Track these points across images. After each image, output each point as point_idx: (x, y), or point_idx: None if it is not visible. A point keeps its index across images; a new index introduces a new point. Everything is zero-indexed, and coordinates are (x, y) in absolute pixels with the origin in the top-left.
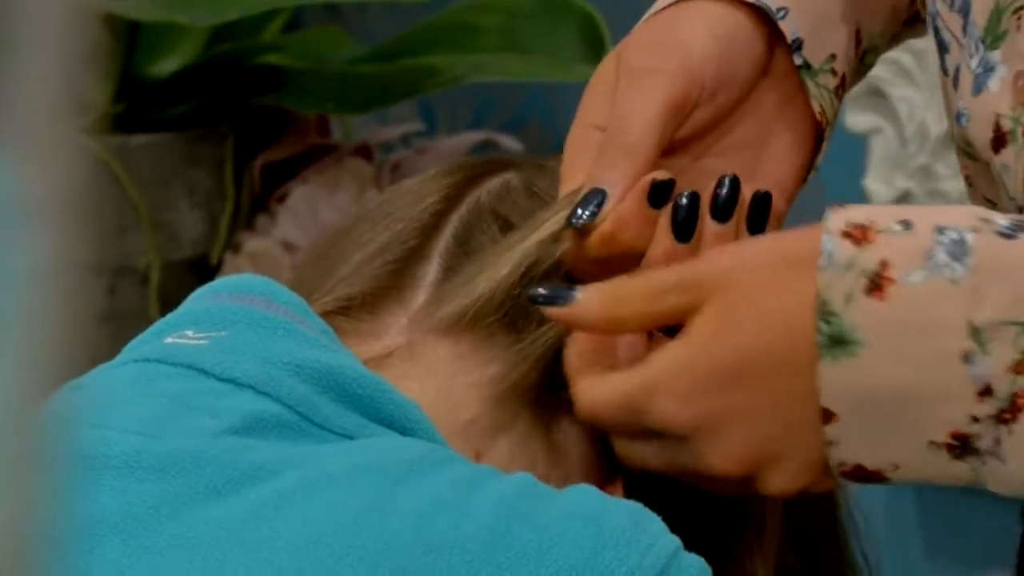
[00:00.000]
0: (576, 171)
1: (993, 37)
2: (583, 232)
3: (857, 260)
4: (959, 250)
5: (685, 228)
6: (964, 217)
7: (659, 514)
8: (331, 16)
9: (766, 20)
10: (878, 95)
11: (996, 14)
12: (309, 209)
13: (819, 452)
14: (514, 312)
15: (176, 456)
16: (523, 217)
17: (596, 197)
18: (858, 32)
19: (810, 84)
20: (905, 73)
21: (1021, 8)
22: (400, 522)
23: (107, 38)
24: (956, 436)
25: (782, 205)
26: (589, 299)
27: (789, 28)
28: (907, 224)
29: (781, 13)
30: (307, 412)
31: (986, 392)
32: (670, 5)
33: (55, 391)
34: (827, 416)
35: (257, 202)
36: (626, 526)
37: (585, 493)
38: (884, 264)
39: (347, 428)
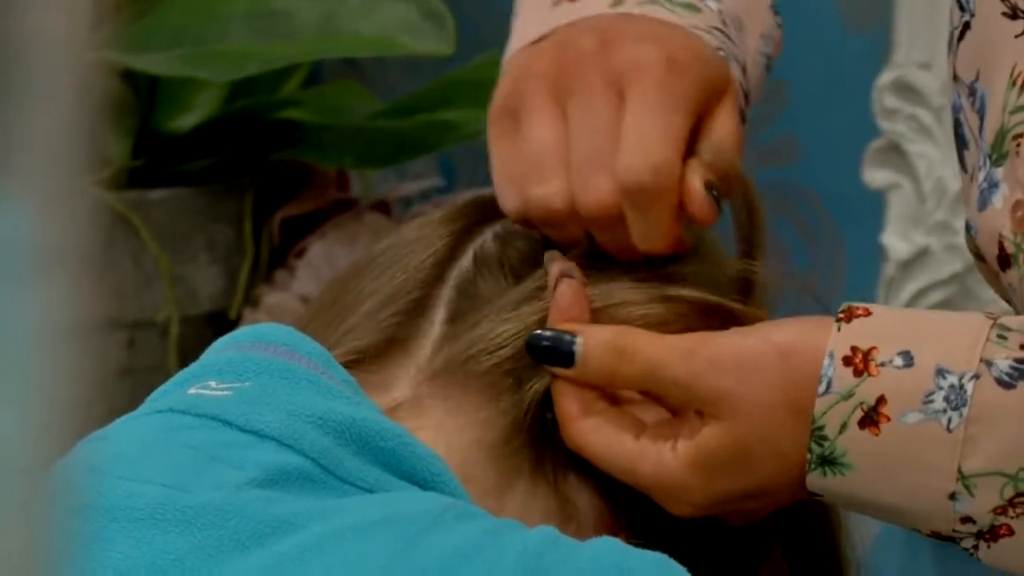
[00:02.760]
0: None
1: (998, 155)
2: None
3: (856, 391)
4: (957, 398)
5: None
6: (967, 359)
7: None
8: (350, 71)
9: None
10: (896, 151)
11: (1001, 134)
12: (328, 264)
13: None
14: (520, 370)
15: (201, 509)
16: (526, 264)
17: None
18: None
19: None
20: (923, 130)
21: (1020, 136)
22: (424, 573)
23: (127, 93)
24: (937, 535)
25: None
26: (588, 361)
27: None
28: (909, 359)
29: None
30: (330, 465)
31: (968, 520)
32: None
33: (68, 443)
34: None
35: (276, 257)
36: None
37: (609, 544)
38: (882, 400)
39: (369, 482)
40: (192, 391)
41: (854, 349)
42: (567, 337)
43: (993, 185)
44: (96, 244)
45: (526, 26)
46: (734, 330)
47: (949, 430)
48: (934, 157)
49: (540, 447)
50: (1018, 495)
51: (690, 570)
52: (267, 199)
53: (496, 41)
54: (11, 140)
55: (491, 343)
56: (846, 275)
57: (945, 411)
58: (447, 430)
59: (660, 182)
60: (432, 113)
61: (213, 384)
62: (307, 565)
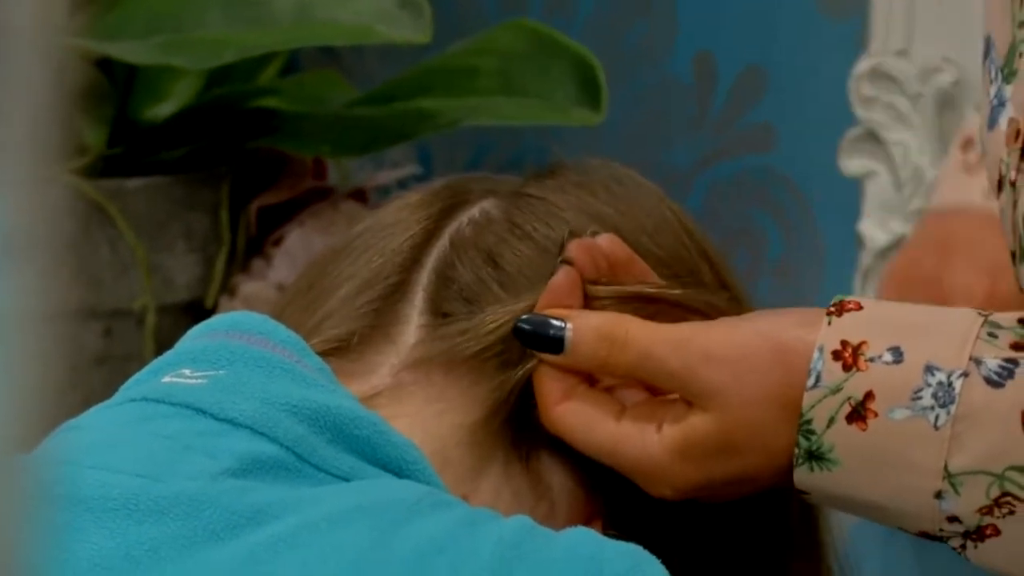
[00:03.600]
0: None
1: (1008, 71)
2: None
3: (844, 386)
4: (945, 396)
5: None
6: (956, 356)
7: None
8: (327, 60)
9: None
10: (873, 139)
11: (1012, 50)
12: (305, 252)
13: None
14: (505, 354)
15: (175, 499)
16: (506, 251)
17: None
18: None
19: None
20: (901, 117)
21: None
22: (400, 564)
23: (103, 81)
24: (924, 533)
25: None
26: (578, 347)
27: None
28: (899, 355)
29: None
30: (304, 453)
31: (954, 519)
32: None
33: (42, 431)
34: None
35: (253, 245)
36: (626, 569)
37: (584, 535)
38: (870, 396)
39: (343, 470)
40: (166, 379)
41: (844, 343)
42: (557, 323)
43: (1001, 104)
44: (71, 232)
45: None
46: (726, 321)
47: (936, 427)
48: (911, 145)
49: (516, 429)
50: (1004, 495)
51: (667, 551)
52: (244, 187)
53: (472, 29)
54: None
55: (479, 330)
56: (823, 263)
57: (933, 408)
58: (425, 416)
59: None
60: (409, 101)
61: (187, 372)
62: (281, 556)
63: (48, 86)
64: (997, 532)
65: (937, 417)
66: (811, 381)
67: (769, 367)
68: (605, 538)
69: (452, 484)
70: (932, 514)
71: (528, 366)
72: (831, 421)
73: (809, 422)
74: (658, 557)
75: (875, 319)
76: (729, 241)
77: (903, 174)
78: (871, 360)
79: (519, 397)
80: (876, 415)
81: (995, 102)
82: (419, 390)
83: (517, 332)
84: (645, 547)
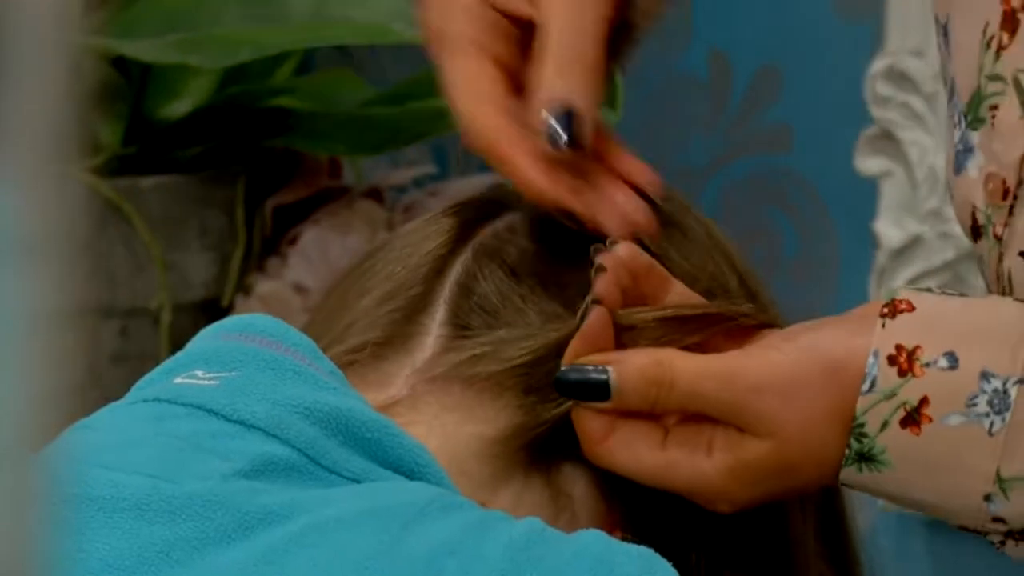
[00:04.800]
0: (475, 46)
1: (973, 117)
2: (563, 150)
3: (899, 392)
4: (1000, 403)
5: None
6: (1011, 362)
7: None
8: (343, 59)
9: None
10: (889, 139)
11: (977, 97)
12: (320, 252)
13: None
14: (526, 377)
15: (187, 500)
16: (525, 261)
17: (567, 120)
18: None
19: None
20: (916, 117)
21: (996, 107)
22: (410, 566)
23: (119, 80)
24: (965, 528)
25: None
26: (623, 391)
27: None
28: (954, 360)
29: None
30: (316, 455)
31: (999, 520)
32: None
33: (58, 430)
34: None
35: (268, 244)
36: (637, 572)
37: (594, 538)
38: (925, 401)
39: (355, 472)
40: (178, 380)
41: (899, 348)
42: (599, 372)
43: (968, 149)
44: (87, 231)
45: None
46: (766, 345)
47: (991, 434)
48: (927, 144)
49: (540, 445)
50: None
51: (684, 557)
52: (259, 186)
53: None
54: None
55: (502, 354)
56: (839, 263)
57: (988, 415)
58: (443, 423)
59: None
60: (424, 100)
61: (199, 374)
62: (292, 556)
63: (63, 84)
64: None
65: (992, 424)
66: (866, 386)
67: (821, 387)
68: (616, 540)
69: (468, 493)
70: (978, 514)
71: (564, 406)
72: (885, 425)
73: (862, 425)
74: (674, 562)
75: (929, 321)
76: (744, 241)
77: (919, 174)
78: (927, 365)
79: (550, 425)
80: (931, 420)
81: (960, 147)
82: (436, 400)
83: (559, 386)
84: (663, 553)
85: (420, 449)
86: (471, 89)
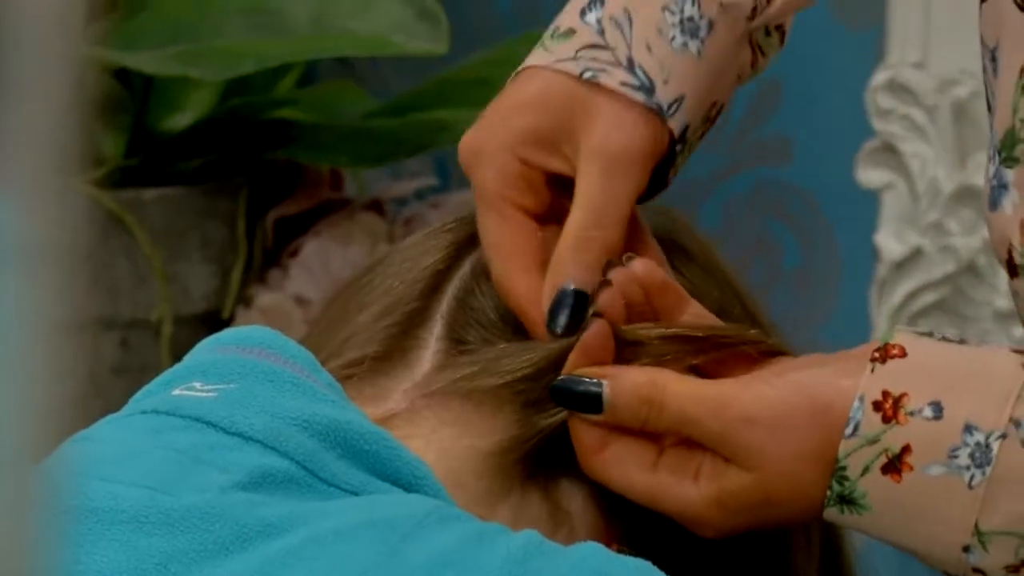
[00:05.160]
0: (509, 204)
1: (1008, 156)
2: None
3: (882, 438)
4: (982, 457)
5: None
6: (996, 417)
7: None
8: (345, 71)
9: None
10: (890, 151)
11: (1011, 137)
12: (321, 263)
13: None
14: (523, 393)
15: (185, 512)
16: None
17: (574, 301)
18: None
19: (679, 160)
20: (917, 129)
21: None
22: None
23: (121, 91)
24: (947, 573)
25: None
26: (616, 407)
27: (678, 123)
28: (939, 411)
29: (673, 108)
30: (314, 468)
31: (980, 572)
32: (590, 81)
33: (59, 441)
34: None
35: (270, 256)
36: None
37: (593, 550)
38: (907, 449)
39: (353, 485)
40: (177, 392)
41: (885, 394)
42: (593, 384)
43: (1003, 185)
44: (88, 242)
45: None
46: (763, 377)
47: (971, 487)
48: (928, 157)
49: (536, 459)
50: None
51: (681, 570)
52: (261, 198)
53: (489, 40)
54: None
55: (499, 368)
56: (840, 275)
57: (969, 468)
58: (441, 438)
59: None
60: (426, 112)
61: (198, 385)
62: (291, 569)
63: (66, 96)
64: None
65: (972, 477)
66: (849, 430)
67: (807, 426)
68: (614, 553)
69: (466, 507)
70: (958, 564)
71: (559, 416)
72: (866, 469)
73: (844, 469)
74: (671, 574)
75: (919, 369)
76: (746, 253)
77: (920, 186)
78: (911, 414)
79: (543, 438)
80: (912, 469)
81: (995, 182)
82: (434, 415)
83: (554, 394)
84: (660, 567)
85: (418, 462)
86: (502, 246)
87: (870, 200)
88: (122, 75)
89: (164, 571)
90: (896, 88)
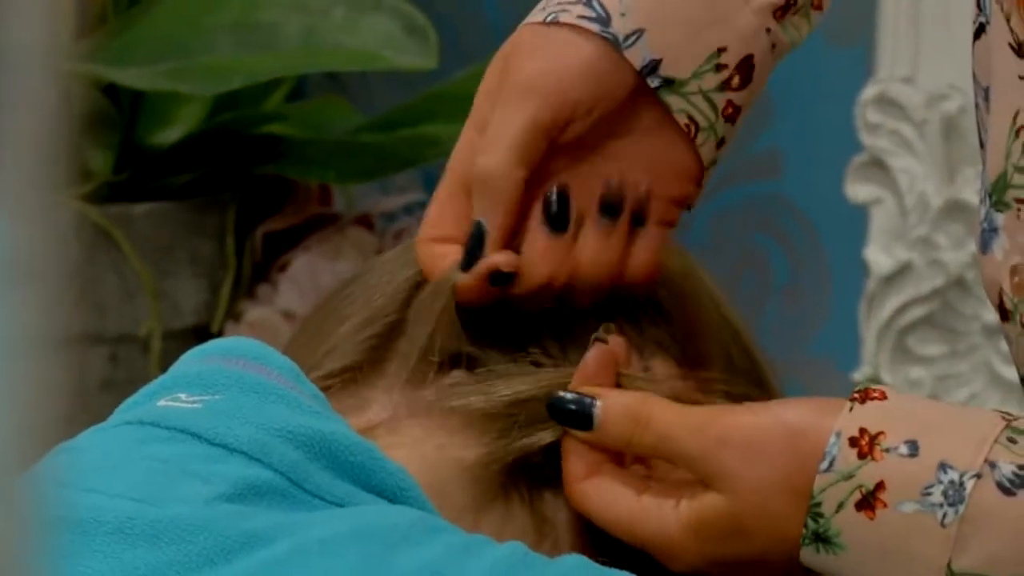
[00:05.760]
0: (449, 172)
1: (998, 200)
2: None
3: (857, 473)
4: (955, 495)
5: (559, 221)
6: (972, 457)
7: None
8: (334, 86)
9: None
10: (879, 166)
11: (1003, 181)
12: (310, 278)
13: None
14: (512, 417)
15: (169, 524)
16: None
17: (476, 236)
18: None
19: (671, 99)
20: (906, 144)
21: (1021, 200)
22: None
23: (110, 107)
24: None
25: (667, 214)
26: (606, 426)
27: (638, 55)
28: (914, 449)
29: (630, 40)
30: (299, 479)
31: None
32: (551, 23)
33: (38, 454)
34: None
35: (259, 271)
36: None
37: (577, 562)
38: (881, 486)
39: (338, 496)
40: (162, 403)
41: (862, 431)
42: (587, 400)
43: (993, 229)
44: (77, 257)
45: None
46: (749, 406)
47: (943, 525)
48: (917, 172)
49: (520, 471)
50: None
51: None
52: (250, 213)
53: (479, 55)
54: None
55: (490, 391)
56: (829, 289)
57: (942, 506)
58: (425, 449)
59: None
60: (415, 127)
61: (183, 397)
62: None
63: (54, 112)
64: None
65: (945, 515)
66: (824, 464)
67: (780, 452)
68: (598, 565)
69: (451, 518)
70: None
71: (543, 434)
72: (840, 506)
73: (819, 504)
74: None
75: (898, 411)
76: (735, 267)
77: (909, 201)
78: (887, 451)
79: (526, 454)
80: (885, 506)
81: (985, 225)
82: (417, 424)
83: (550, 408)
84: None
85: (403, 473)
86: (427, 213)
87: (859, 214)
88: (111, 91)
89: None
90: (885, 103)
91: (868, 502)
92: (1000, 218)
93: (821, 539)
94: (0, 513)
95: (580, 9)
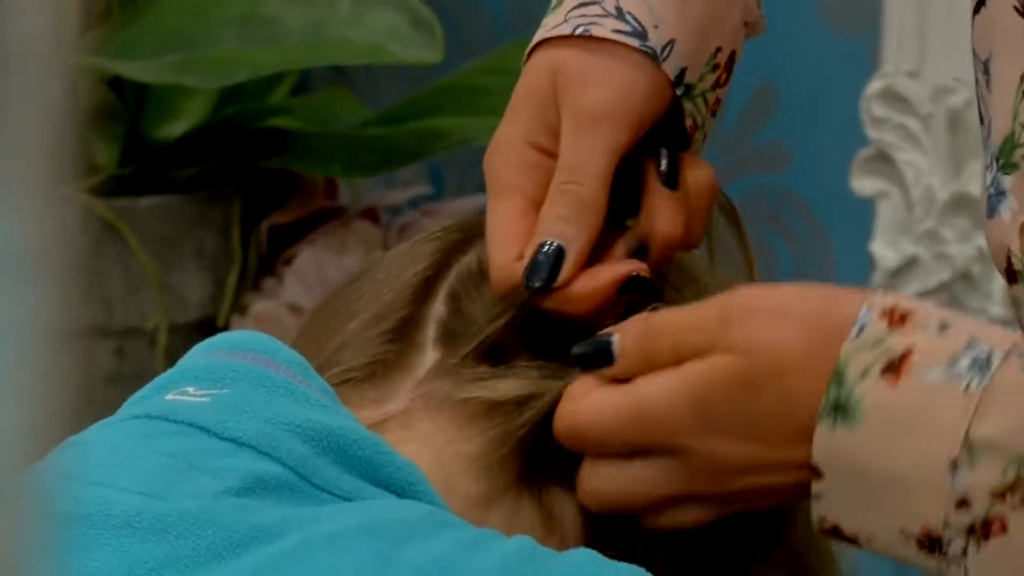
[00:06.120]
0: (515, 191)
1: (1005, 162)
2: (535, 288)
3: (886, 341)
4: (982, 366)
5: (672, 179)
6: (1001, 339)
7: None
8: (339, 79)
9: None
10: (885, 160)
11: (1010, 143)
12: (316, 272)
13: (802, 497)
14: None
15: (179, 518)
16: None
17: (553, 255)
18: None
19: (687, 106)
20: (912, 138)
21: None
22: None
23: (115, 100)
24: (926, 534)
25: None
26: (624, 357)
27: (672, 66)
28: (945, 327)
29: (665, 52)
30: (307, 474)
31: (963, 504)
32: (584, 36)
33: (45, 448)
34: (815, 473)
35: (264, 264)
36: None
37: (586, 556)
38: (908, 353)
39: (346, 491)
40: (170, 397)
41: (893, 308)
42: (604, 338)
43: (1000, 193)
44: (83, 250)
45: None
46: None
47: (967, 391)
48: (922, 166)
49: (528, 463)
50: (1019, 480)
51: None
52: (255, 207)
53: (484, 48)
54: None
55: (497, 386)
56: (835, 283)
57: (968, 372)
58: (435, 444)
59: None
60: (420, 121)
61: (191, 390)
62: (284, 574)
63: (60, 105)
64: (1004, 529)
65: (970, 383)
66: (854, 331)
67: (809, 315)
68: (607, 559)
69: (460, 512)
70: (941, 492)
71: (539, 404)
72: (865, 372)
73: (843, 371)
74: None
75: (927, 304)
76: (740, 262)
77: (914, 194)
78: (918, 326)
79: (532, 432)
80: (910, 373)
81: (992, 190)
82: (428, 418)
83: (575, 359)
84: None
85: (411, 468)
86: (500, 230)
87: (865, 208)
88: (116, 84)
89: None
90: (891, 97)
91: (894, 368)
92: (1007, 180)
93: (840, 409)
94: (6, 507)
95: (613, 23)
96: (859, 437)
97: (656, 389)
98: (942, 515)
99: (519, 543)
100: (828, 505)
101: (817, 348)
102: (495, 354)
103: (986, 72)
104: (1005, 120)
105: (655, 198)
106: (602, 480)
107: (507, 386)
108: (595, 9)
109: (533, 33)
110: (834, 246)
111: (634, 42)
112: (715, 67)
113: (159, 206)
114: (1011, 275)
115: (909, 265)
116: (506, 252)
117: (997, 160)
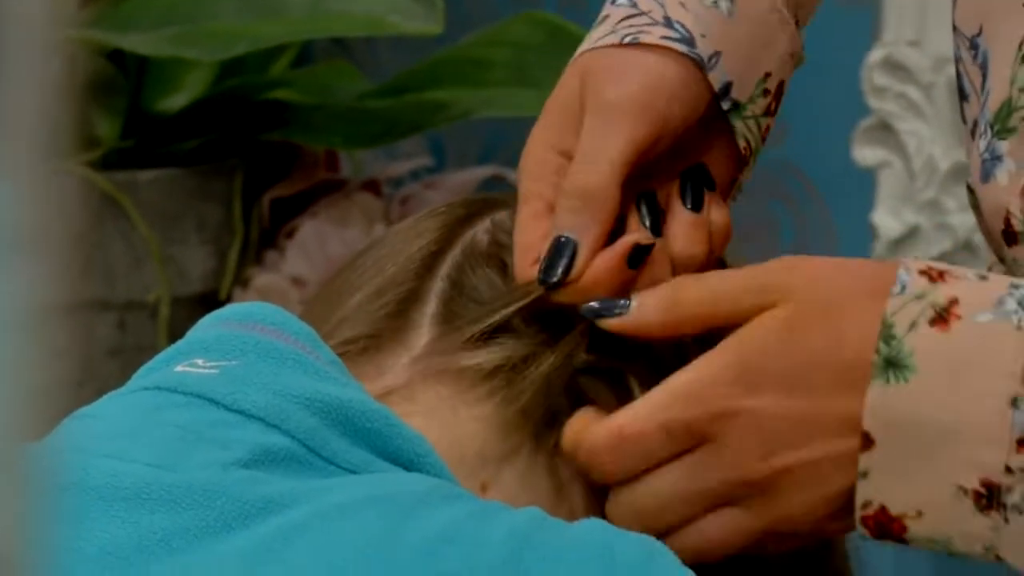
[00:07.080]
0: (536, 196)
1: (1001, 127)
2: (555, 285)
3: (929, 294)
4: None
5: (697, 201)
6: None
7: None
8: (340, 51)
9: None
10: (886, 129)
11: (1007, 107)
12: (318, 244)
13: (846, 486)
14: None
15: (187, 489)
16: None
17: (567, 250)
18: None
19: (737, 124)
20: (913, 107)
21: None
22: (411, 553)
23: (116, 73)
24: (986, 484)
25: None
26: (644, 305)
27: (717, 77)
28: (983, 276)
29: (712, 61)
30: (315, 446)
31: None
32: (631, 44)
33: (55, 422)
34: (866, 442)
35: (266, 237)
36: (638, 557)
37: (595, 525)
38: (954, 301)
39: (354, 463)
40: (179, 368)
41: (930, 267)
42: (621, 301)
43: (996, 158)
44: (84, 224)
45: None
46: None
47: (1020, 327)
48: (924, 135)
49: (540, 424)
50: None
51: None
52: (257, 179)
53: (485, 20)
54: None
55: (497, 353)
56: (837, 254)
57: (1017, 312)
58: (441, 413)
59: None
60: (421, 93)
61: (200, 362)
62: (292, 545)
63: (60, 78)
64: None
65: (1021, 319)
66: (897, 288)
67: (852, 273)
68: (617, 528)
69: (471, 471)
70: (1003, 436)
71: (539, 364)
72: (913, 325)
73: (891, 327)
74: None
75: (958, 267)
76: (742, 232)
77: (916, 164)
78: (958, 278)
79: (538, 395)
80: (960, 318)
81: (987, 155)
82: (430, 389)
83: (585, 312)
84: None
85: (420, 439)
86: (519, 236)
87: (866, 178)
88: (117, 56)
89: (167, 547)
90: (892, 66)
91: (942, 316)
92: (1003, 145)
93: (892, 364)
94: (9, 480)
95: (662, 30)
96: (914, 388)
97: (690, 370)
98: (1003, 459)
99: (529, 513)
100: (876, 482)
101: (865, 297)
102: (493, 329)
103: (973, 47)
104: (1002, 85)
105: (677, 218)
106: (640, 496)
107: (504, 351)
108: (643, 20)
109: (534, 5)
110: (836, 217)
111: (681, 47)
112: (765, 92)
113: (160, 179)
114: (1010, 237)
115: (911, 235)
116: (525, 257)
117: (992, 127)
